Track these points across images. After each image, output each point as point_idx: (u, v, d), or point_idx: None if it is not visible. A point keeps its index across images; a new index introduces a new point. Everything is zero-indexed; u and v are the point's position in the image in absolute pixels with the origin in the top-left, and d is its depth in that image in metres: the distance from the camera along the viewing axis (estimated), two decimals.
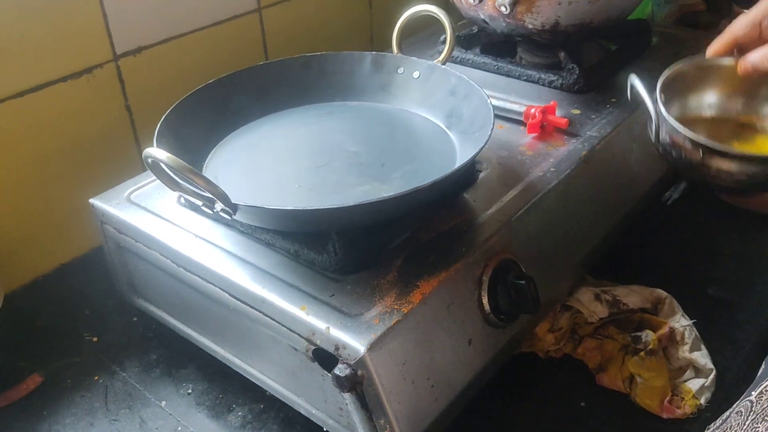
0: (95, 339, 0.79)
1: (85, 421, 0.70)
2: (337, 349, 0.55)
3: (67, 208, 0.87)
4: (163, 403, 0.71)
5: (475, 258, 0.62)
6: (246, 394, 0.71)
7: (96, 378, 0.74)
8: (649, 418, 0.68)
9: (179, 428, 0.68)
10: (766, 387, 0.55)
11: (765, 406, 0.52)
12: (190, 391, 0.72)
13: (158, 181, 0.74)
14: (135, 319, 0.81)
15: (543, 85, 0.90)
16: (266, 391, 0.70)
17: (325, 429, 0.63)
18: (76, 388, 0.73)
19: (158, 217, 0.70)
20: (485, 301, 0.62)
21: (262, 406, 0.70)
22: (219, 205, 0.57)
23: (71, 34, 0.82)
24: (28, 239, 0.85)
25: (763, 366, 0.58)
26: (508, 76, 0.93)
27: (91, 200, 0.74)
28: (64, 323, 0.81)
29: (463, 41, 1.00)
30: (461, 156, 0.71)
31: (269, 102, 0.80)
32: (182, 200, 0.72)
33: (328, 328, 0.55)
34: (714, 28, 1.25)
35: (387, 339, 0.55)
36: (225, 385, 0.72)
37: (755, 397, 0.55)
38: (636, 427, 0.67)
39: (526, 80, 0.91)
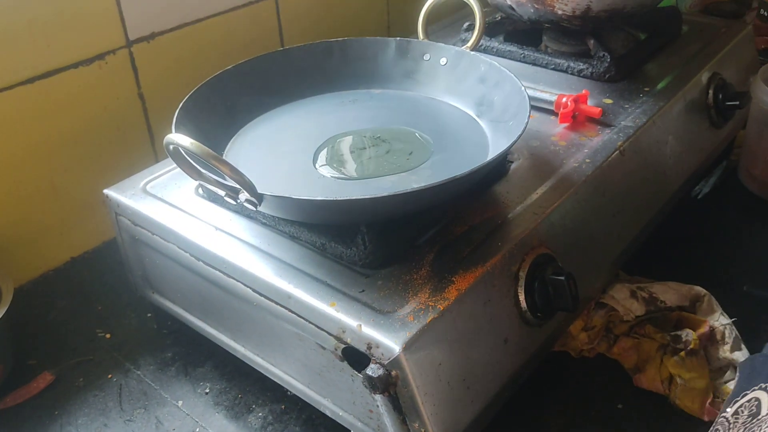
0: (108, 336, 0.76)
1: (98, 421, 0.67)
2: (369, 348, 0.52)
3: (78, 199, 0.84)
4: (180, 402, 0.68)
5: (512, 252, 0.59)
6: (266, 395, 0.68)
7: (109, 376, 0.71)
8: (690, 421, 0.65)
9: (197, 429, 0.66)
10: (741, 406, 0.51)
11: (741, 431, 0.49)
12: (207, 390, 0.69)
13: (175, 171, 0.72)
14: (149, 315, 0.78)
15: (572, 73, 0.87)
16: (287, 391, 0.67)
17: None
18: (89, 386, 0.70)
19: (176, 208, 0.67)
20: (522, 297, 0.59)
21: (283, 406, 0.67)
22: (243, 196, 0.54)
23: (83, 18, 0.79)
24: (38, 231, 0.82)
25: (737, 374, 0.54)
26: (534, 64, 0.90)
27: (106, 191, 0.70)
28: (76, 319, 0.78)
29: (487, 29, 0.96)
30: (494, 145, 0.67)
31: (290, 90, 0.77)
32: (201, 191, 0.69)
33: (360, 325, 0.52)
34: (739, 18, 1.22)
35: (423, 338, 0.52)
36: (244, 385, 0.70)
37: (731, 416, 0.51)
38: (676, 430, 0.64)
39: (553, 69, 0.88)
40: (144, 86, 0.87)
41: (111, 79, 0.84)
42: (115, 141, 0.86)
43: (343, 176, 0.65)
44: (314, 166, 0.67)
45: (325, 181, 0.65)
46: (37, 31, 0.76)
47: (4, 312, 0.67)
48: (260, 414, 0.67)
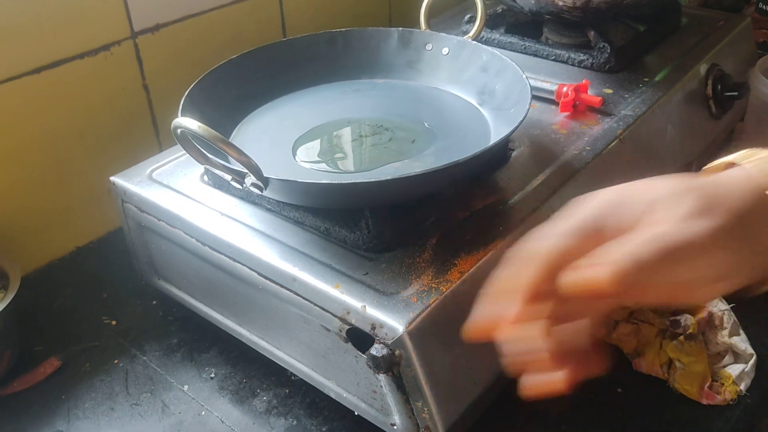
0: (114, 322, 0.77)
1: (105, 405, 0.68)
2: (373, 328, 0.53)
3: (83, 189, 0.85)
4: (186, 387, 0.69)
5: (513, 237, 0.60)
6: (271, 379, 0.69)
7: (116, 362, 0.72)
8: (688, 404, 0.66)
9: (203, 413, 0.66)
10: None
11: None
12: (213, 375, 0.70)
13: (181, 159, 0.73)
14: (154, 302, 0.79)
15: (572, 64, 0.88)
16: (291, 375, 0.68)
17: (356, 413, 0.61)
18: (95, 372, 0.71)
19: (182, 194, 0.68)
20: None
21: (287, 390, 0.68)
22: (249, 179, 0.55)
23: (89, 9, 0.80)
24: (44, 221, 0.83)
25: None
26: (535, 55, 0.91)
27: (112, 178, 0.71)
28: (82, 307, 0.79)
29: (488, 21, 0.97)
30: (496, 132, 0.68)
31: (294, 79, 0.78)
32: (206, 178, 0.69)
33: (364, 306, 0.53)
34: (738, 12, 1.22)
35: (426, 318, 0.53)
36: (249, 370, 0.70)
37: None
38: (675, 413, 0.65)
39: (554, 60, 0.89)
40: (148, 77, 0.88)
41: (116, 70, 0.85)
42: (119, 132, 0.87)
43: (346, 164, 0.66)
44: (317, 154, 0.68)
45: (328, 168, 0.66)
46: (44, 21, 0.76)
47: (11, 299, 0.68)
48: (265, 398, 0.68)
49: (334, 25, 0.86)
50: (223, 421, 0.65)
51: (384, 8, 1.19)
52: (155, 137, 0.92)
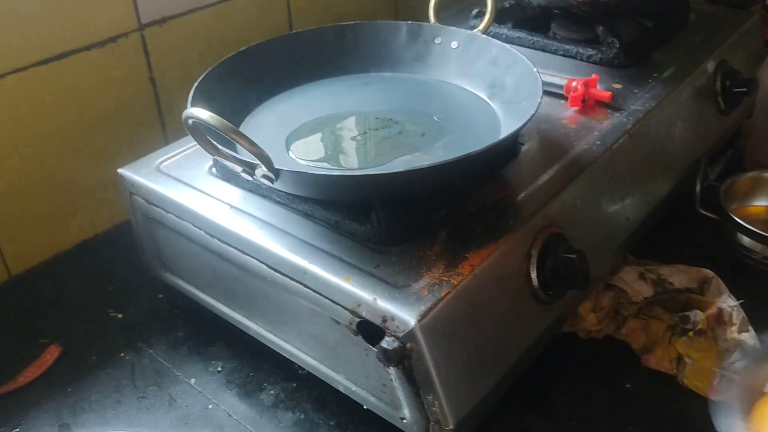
0: (120, 315, 0.77)
1: (111, 398, 0.67)
2: (384, 321, 0.53)
3: (89, 181, 0.85)
4: (193, 380, 0.69)
5: (524, 231, 0.60)
6: (278, 373, 0.69)
7: (122, 355, 0.72)
8: (697, 400, 0.65)
9: (210, 406, 0.66)
10: None
11: None
12: (219, 368, 0.70)
13: (188, 151, 0.73)
14: (161, 296, 0.79)
15: (581, 59, 0.87)
16: (299, 369, 0.68)
17: (365, 407, 0.60)
18: (101, 365, 0.71)
19: (190, 187, 0.67)
20: (534, 275, 0.60)
21: (294, 384, 0.68)
22: (260, 171, 0.54)
23: (96, 0, 0.79)
24: (50, 213, 0.83)
25: None
26: (543, 50, 0.90)
27: (120, 170, 0.71)
28: (88, 300, 0.79)
29: (496, 16, 0.96)
30: (506, 126, 0.68)
31: (302, 72, 0.78)
32: (214, 170, 0.69)
33: (375, 299, 0.53)
34: (748, 8, 1.22)
35: (437, 311, 0.52)
36: (256, 363, 0.70)
37: None
38: (685, 409, 0.65)
39: (563, 55, 0.89)
40: (155, 70, 0.88)
41: (123, 63, 0.84)
42: (126, 124, 0.87)
43: (356, 156, 0.66)
44: (325, 147, 0.68)
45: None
46: (52, 12, 0.76)
47: None
48: (272, 392, 0.67)
49: (339, 19, 0.86)
50: (230, 415, 0.65)
51: (390, 3, 1.19)
52: (161, 130, 0.91)
